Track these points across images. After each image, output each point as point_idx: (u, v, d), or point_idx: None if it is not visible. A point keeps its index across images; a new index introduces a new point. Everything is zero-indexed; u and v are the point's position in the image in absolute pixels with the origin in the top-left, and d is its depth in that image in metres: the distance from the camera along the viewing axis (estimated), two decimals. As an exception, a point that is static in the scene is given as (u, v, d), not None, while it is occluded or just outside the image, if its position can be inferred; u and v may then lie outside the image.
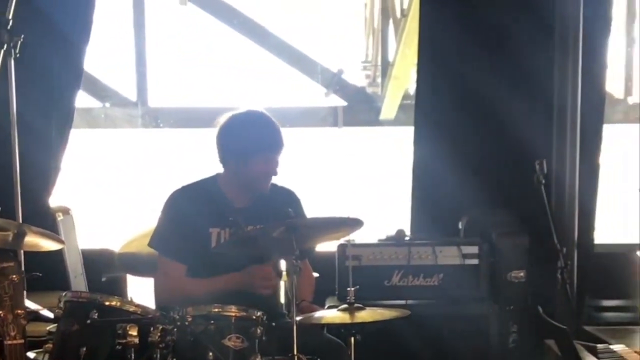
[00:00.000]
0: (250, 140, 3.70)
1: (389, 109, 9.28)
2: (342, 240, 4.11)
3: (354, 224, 3.49)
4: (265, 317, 3.32)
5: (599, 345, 3.51)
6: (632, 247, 5.75)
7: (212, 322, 3.22)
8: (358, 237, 4.23)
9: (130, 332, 3.14)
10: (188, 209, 3.74)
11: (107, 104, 8.76)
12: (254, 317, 3.29)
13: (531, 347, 4.43)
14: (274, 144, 3.73)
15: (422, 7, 5.23)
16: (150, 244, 3.81)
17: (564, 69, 4.87)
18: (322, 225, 3.55)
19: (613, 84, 9.50)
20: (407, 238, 4.64)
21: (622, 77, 9.70)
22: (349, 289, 3.40)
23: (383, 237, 4.63)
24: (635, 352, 3.40)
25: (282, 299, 3.84)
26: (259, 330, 3.25)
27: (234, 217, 3.71)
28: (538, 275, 4.52)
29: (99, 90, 8.72)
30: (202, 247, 3.68)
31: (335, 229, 3.60)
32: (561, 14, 4.88)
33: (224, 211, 3.75)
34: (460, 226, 4.86)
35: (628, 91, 9.74)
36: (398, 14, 8.56)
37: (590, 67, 4.96)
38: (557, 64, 4.90)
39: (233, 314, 3.27)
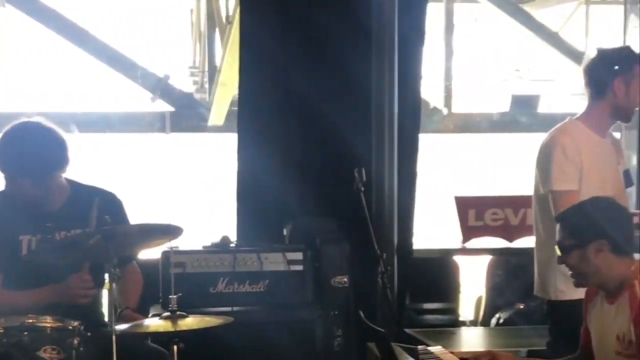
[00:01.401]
0: None
1: (217, 115, 9.28)
2: (165, 247, 4.04)
3: (174, 231, 3.44)
4: (82, 327, 3.23)
5: (419, 347, 3.60)
6: (449, 252, 5.99)
7: (25, 333, 3.13)
8: (183, 243, 4.18)
9: None
10: None
11: None
12: (71, 327, 3.20)
13: (354, 350, 4.51)
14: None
15: (242, 13, 5.23)
16: None
17: (381, 76, 4.98)
18: (140, 233, 3.49)
19: (433, 95, 9.88)
20: (232, 245, 4.62)
21: (442, 87, 10.11)
22: (171, 296, 3.36)
23: (208, 243, 4.60)
24: (451, 352, 3.51)
25: (103, 308, 3.75)
26: (76, 341, 3.18)
27: (50, 222, 3.60)
28: (361, 280, 4.61)
29: None
30: (12, 256, 3.55)
31: (155, 236, 3.54)
32: (378, 21, 4.98)
33: (36, 216, 3.61)
34: (285, 233, 4.89)
35: (447, 102, 10.15)
36: (224, 20, 8.56)
37: (406, 76, 5.09)
38: (375, 71, 5.00)
39: (48, 325, 3.19)
